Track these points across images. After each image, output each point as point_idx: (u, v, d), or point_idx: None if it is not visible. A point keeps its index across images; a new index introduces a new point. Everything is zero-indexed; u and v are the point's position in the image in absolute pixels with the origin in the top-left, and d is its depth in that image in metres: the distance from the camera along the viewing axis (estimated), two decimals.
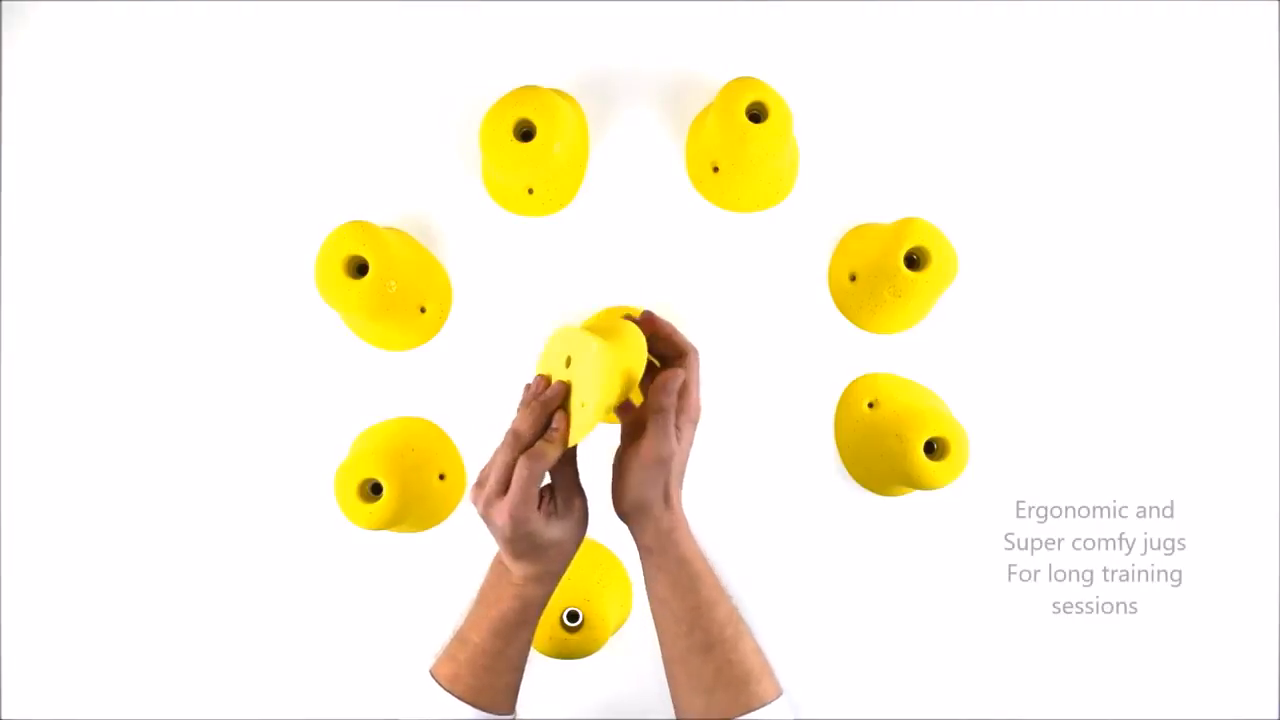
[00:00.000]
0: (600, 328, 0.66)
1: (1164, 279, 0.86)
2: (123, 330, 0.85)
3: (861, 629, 0.83)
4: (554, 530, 0.66)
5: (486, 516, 0.64)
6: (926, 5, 0.85)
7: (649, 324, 0.67)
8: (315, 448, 0.82)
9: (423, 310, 0.82)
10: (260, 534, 0.84)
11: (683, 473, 0.67)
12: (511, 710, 0.68)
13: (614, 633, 0.80)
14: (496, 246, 0.84)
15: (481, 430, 0.84)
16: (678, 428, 0.65)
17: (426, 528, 0.83)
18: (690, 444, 0.67)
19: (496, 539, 0.66)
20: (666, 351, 0.68)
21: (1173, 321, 0.85)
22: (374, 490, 0.77)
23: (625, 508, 0.67)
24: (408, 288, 0.79)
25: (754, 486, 0.84)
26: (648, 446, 0.64)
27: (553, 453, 0.63)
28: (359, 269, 0.76)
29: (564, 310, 0.83)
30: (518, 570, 0.66)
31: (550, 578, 0.68)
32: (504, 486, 0.63)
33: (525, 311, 0.84)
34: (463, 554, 0.83)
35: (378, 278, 0.75)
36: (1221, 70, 0.86)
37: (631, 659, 0.83)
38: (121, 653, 0.84)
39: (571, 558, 0.68)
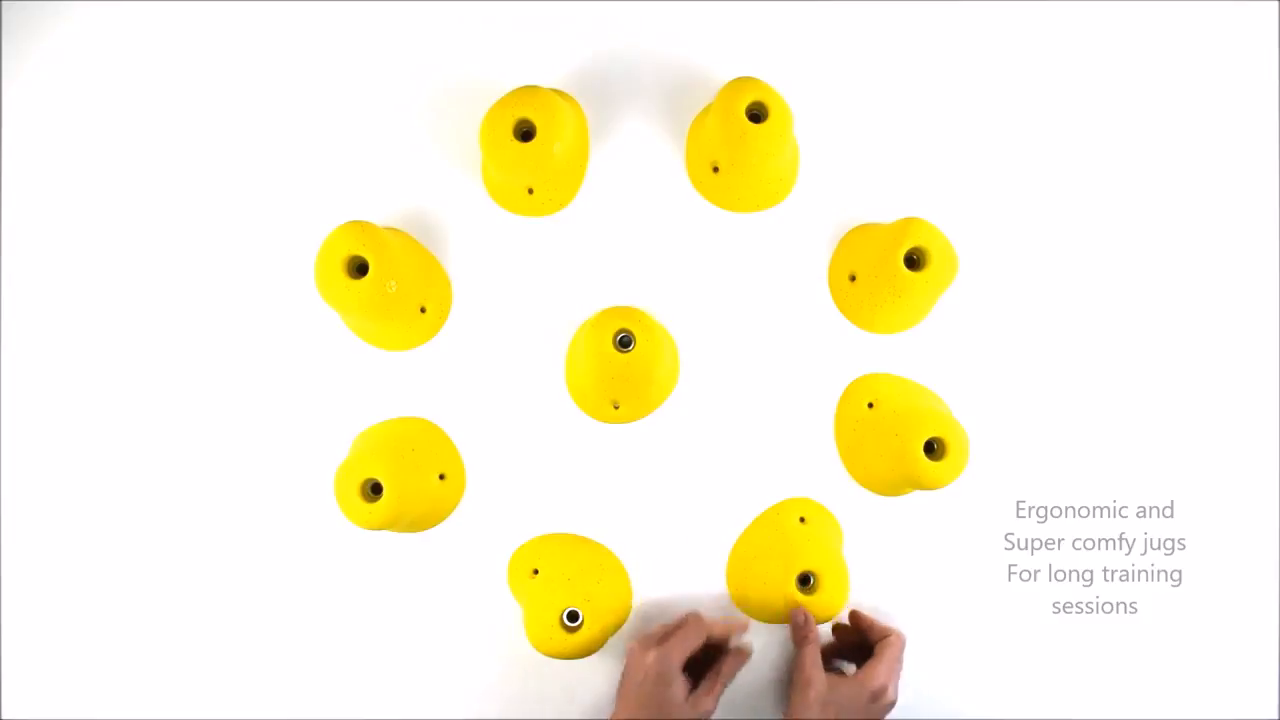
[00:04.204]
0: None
1: (1164, 279, 0.86)
2: (122, 331, 0.85)
3: None
4: (685, 705, 0.72)
5: (637, 653, 0.75)
6: (926, 5, 0.85)
7: (854, 622, 0.79)
8: (315, 448, 0.82)
9: (423, 310, 0.82)
10: (260, 534, 0.84)
11: None
12: None
13: (614, 633, 0.80)
14: (496, 246, 0.84)
15: (481, 430, 0.84)
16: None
17: (426, 528, 0.83)
18: None
19: (631, 679, 0.74)
20: (870, 639, 0.79)
21: (1173, 321, 0.86)
22: (374, 490, 0.76)
23: None
24: (408, 288, 0.79)
25: (754, 487, 0.84)
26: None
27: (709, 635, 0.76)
28: (359, 269, 0.76)
29: (563, 310, 0.83)
30: None
31: None
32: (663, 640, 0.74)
33: (525, 311, 0.84)
34: (463, 554, 0.83)
35: (378, 278, 0.75)
36: (1221, 70, 0.86)
37: None
38: (121, 653, 0.84)
39: None
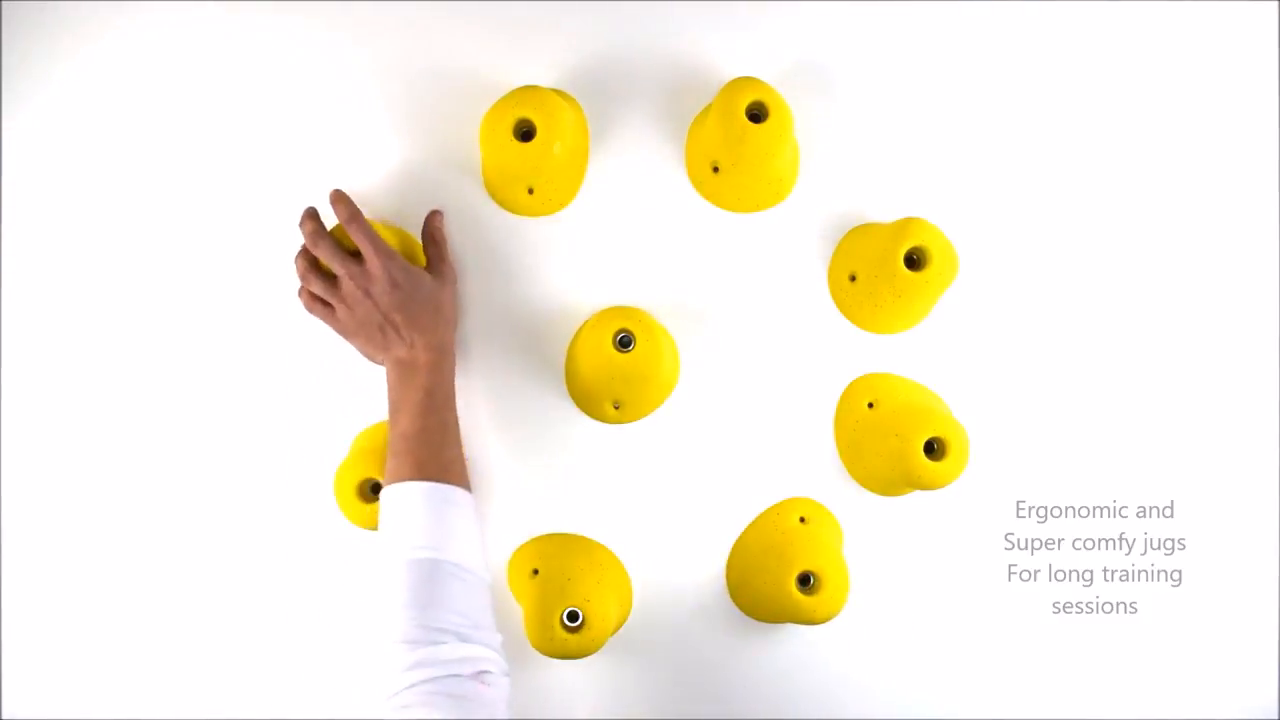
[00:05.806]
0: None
1: (1164, 279, 0.86)
2: (121, 331, 0.85)
3: (861, 628, 0.83)
4: (437, 284, 0.77)
5: (367, 287, 0.74)
6: (926, 5, 0.85)
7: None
8: (315, 448, 0.82)
9: None
10: (260, 534, 0.84)
11: None
12: (469, 487, 0.76)
13: (614, 633, 0.80)
14: (496, 246, 0.84)
15: (481, 430, 0.84)
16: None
17: None
18: None
19: (384, 308, 0.74)
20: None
21: (1173, 322, 0.86)
22: (374, 490, 0.77)
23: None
24: None
25: (754, 487, 0.84)
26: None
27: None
28: None
29: (563, 310, 0.83)
30: (420, 346, 0.75)
31: (444, 352, 0.77)
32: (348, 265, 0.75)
33: (525, 311, 0.84)
34: None
35: None
36: (1221, 70, 0.86)
37: (631, 659, 0.83)
38: (122, 653, 0.84)
39: (454, 324, 0.79)
